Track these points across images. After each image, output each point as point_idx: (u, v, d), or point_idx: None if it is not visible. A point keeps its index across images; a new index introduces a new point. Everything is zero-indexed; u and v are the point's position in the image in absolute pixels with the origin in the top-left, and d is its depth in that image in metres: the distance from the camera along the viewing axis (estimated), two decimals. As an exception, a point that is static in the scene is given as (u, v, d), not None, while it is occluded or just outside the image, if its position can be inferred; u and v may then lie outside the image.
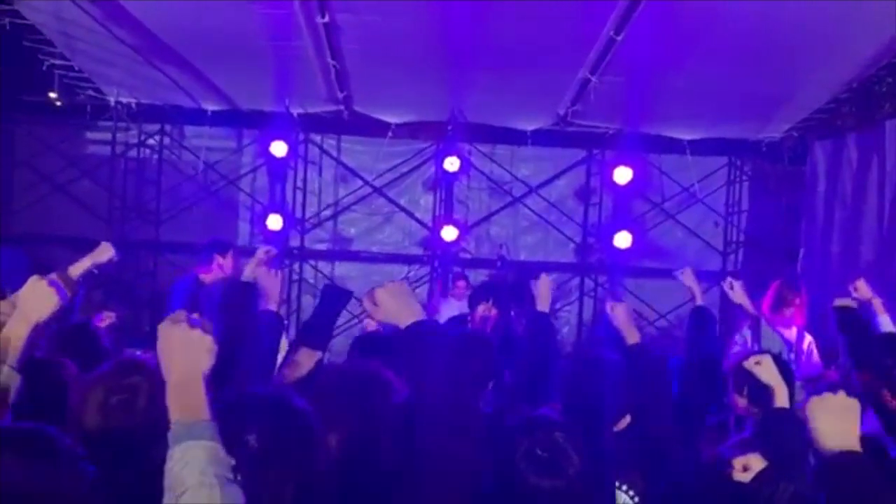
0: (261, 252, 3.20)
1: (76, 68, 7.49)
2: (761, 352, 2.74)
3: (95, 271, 3.65)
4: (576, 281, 9.33)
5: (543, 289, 3.55)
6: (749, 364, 2.50)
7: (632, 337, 2.96)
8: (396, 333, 1.78)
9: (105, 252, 3.43)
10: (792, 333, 4.97)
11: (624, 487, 2.15)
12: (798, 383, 3.23)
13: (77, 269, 3.27)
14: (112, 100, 8.21)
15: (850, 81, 7.02)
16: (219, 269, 5.64)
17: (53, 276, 1.84)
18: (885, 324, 3.83)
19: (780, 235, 8.71)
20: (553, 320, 8.31)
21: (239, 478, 1.48)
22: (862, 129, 7.44)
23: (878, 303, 3.84)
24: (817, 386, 4.14)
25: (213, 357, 1.55)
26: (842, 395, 1.70)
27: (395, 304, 1.82)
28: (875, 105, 7.36)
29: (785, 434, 2.16)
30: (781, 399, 2.39)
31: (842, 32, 5.92)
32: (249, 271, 2.97)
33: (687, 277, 4.02)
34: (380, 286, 1.87)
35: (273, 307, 2.52)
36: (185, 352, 1.53)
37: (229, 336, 2.48)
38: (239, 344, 2.41)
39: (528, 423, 1.81)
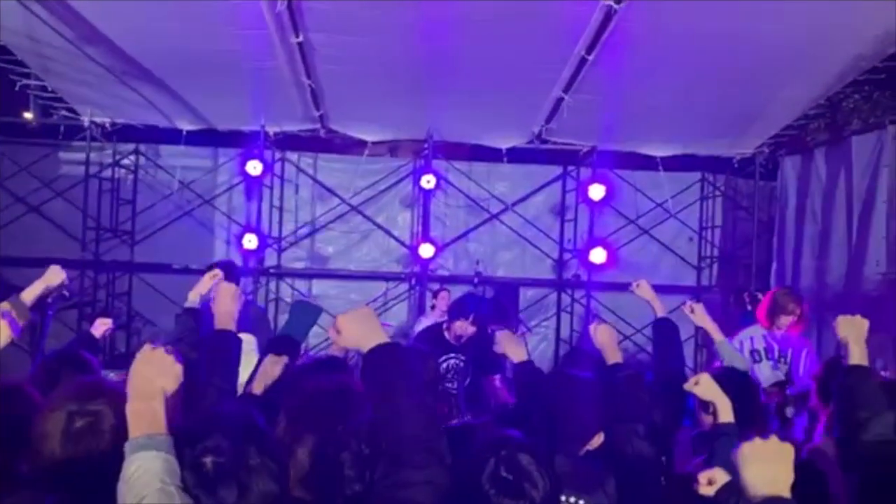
0: (208, 277, 3.15)
1: (49, 88, 7.47)
2: (722, 370, 2.78)
3: (66, 293, 3.62)
4: (553, 296, 9.38)
5: (507, 345, 3.27)
6: (689, 387, 2.54)
7: (613, 357, 2.98)
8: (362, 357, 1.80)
9: (55, 275, 3.37)
10: (788, 343, 4.92)
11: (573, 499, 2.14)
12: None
13: (30, 294, 3.20)
14: (86, 120, 8.17)
15: (817, 98, 7.17)
16: None
17: (5, 305, 1.84)
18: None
19: (753, 249, 8.81)
20: (526, 343, 8.33)
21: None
22: (830, 145, 7.58)
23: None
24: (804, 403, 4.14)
25: (177, 382, 1.66)
26: (773, 440, 1.67)
27: (357, 329, 1.82)
28: (842, 121, 7.51)
29: (718, 447, 2.22)
30: (724, 414, 2.44)
31: (809, 51, 6.05)
32: (194, 295, 2.93)
33: (643, 290, 3.87)
34: (342, 313, 1.88)
35: (230, 326, 2.48)
36: (153, 371, 1.65)
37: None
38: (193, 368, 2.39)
39: (494, 443, 1.82)
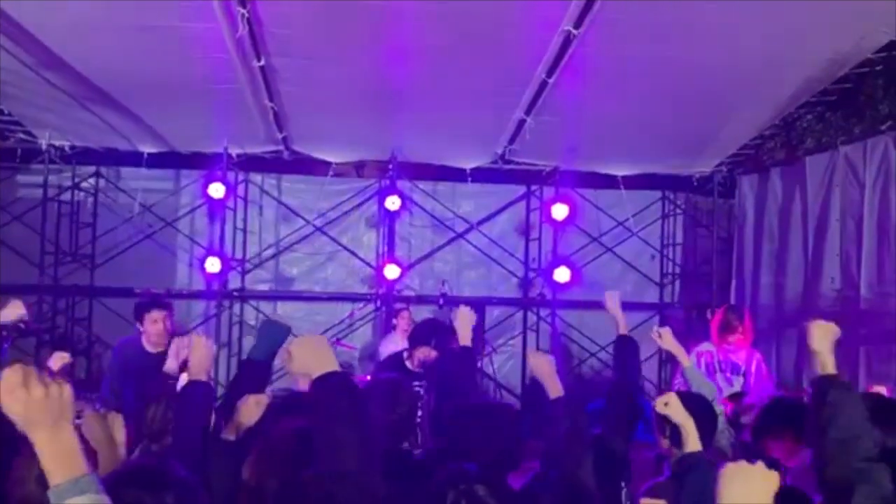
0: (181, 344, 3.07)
1: (6, 112, 7.35)
2: (687, 390, 2.82)
3: (22, 325, 3.56)
4: (519, 315, 9.42)
5: (462, 321, 3.32)
6: (659, 407, 2.57)
7: (554, 391, 2.83)
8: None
9: (14, 309, 3.32)
10: (739, 357, 5.06)
11: None
12: (720, 427, 3.27)
13: None
14: (44, 143, 8.05)
15: (772, 119, 7.37)
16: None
17: None
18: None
19: (714, 266, 8.97)
20: (492, 362, 8.34)
21: None
22: (785, 164, 7.77)
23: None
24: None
25: (71, 406, 1.44)
26: (760, 465, 1.66)
27: (306, 356, 1.84)
28: (796, 141, 7.71)
29: (692, 479, 2.24)
30: (691, 437, 2.46)
31: (763, 74, 6.23)
32: (172, 364, 2.88)
33: (611, 302, 3.80)
34: (295, 339, 1.90)
35: (202, 377, 2.47)
36: (49, 411, 1.40)
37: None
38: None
39: (450, 477, 1.84)
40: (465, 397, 3.06)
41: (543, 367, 2.90)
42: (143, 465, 1.75)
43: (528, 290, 9.40)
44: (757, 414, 2.98)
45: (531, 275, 9.36)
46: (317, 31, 5.62)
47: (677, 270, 9.61)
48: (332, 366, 1.83)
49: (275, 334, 2.83)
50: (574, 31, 5.36)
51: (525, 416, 2.79)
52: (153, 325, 4.83)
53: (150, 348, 4.87)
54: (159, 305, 4.92)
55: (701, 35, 5.57)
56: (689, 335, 8.73)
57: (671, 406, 2.54)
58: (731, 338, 5.09)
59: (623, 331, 3.72)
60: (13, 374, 1.41)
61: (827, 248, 6.83)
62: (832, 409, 2.10)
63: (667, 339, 3.78)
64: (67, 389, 1.43)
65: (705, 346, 5.22)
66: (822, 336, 2.29)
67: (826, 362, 2.23)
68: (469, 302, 8.78)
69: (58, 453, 1.40)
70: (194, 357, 2.51)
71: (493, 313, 9.28)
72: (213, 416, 2.53)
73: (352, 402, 1.76)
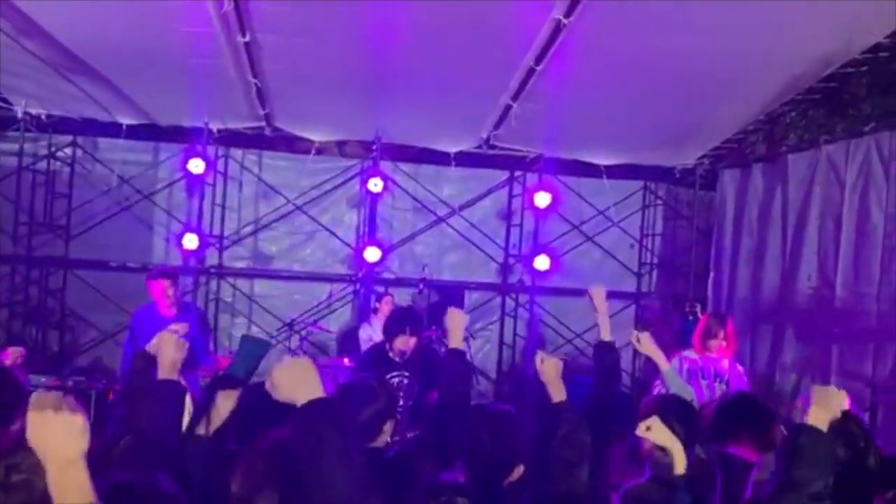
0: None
1: (-20, 78, 7.17)
2: (667, 400, 2.80)
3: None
4: (498, 300, 9.44)
5: (453, 323, 3.22)
6: (641, 432, 2.51)
7: (557, 394, 2.78)
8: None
9: None
10: (722, 365, 5.03)
11: None
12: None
13: None
14: (19, 111, 7.87)
15: (756, 114, 7.40)
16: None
17: None
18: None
19: (692, 257, 9.03)
20: (469, 347, 8.31)
21: None
22: (767, 160, 7.81)
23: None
24: None
25: (87, 437, 1.49)
26: None
27: (291, 382, 1.74)
28: (779, 137, 7.75)
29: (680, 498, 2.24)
30: (678, 459, 2.42)
31: (750, 68, 6.23)
32: (156, 343, 2.76)
33: (598, 300, 3.60)
34: (279, 364, 1.79)
35: (173, 376, 2.38)
36: (57, 438, 1.46)
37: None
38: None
39: (431, 490, 1.82)
40: (464, 403, 3.00)
41: (550, 370, 2.84)
42: (132, 482, 1.72)
43: (507, 276, 9.41)
44: (712, 416, 2.96)
45: (511, 261, 9.37)
46: (303, 9, 5.53)
47: (655, 261, 9.67)
48: (318, 392, 1.73)
49: (254, 350, 2.72)
50: (564, 21, 5.33)
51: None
52: (159, 292, 5.30)
53: (165, 312, 5.27)
54: (164, 275, 5.38)
55: (689, 29, 5.55)
56: (665, 325, 8.82)
57: (654, 431, 2.49)
58: (712, 344, 5.01)
59: (605, 336, 3.48)
60: (40, 401, 1.47)
61: (805, 246, 6.89)
62: (799, 453, 2.09)
63: (645, 344, 3.69)
64: (80, 420, 1.48)
65: (687, 353, 5.16)
66: (831, 398, 2.22)
67: (819, 416, 2.17)
68: (448, 286, 8.90)
69: (69, 485, 1.45)
70: (163, 354, 2.41)
71: (472, 297, 9.29)
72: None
73: (337, 430, 1.68)
